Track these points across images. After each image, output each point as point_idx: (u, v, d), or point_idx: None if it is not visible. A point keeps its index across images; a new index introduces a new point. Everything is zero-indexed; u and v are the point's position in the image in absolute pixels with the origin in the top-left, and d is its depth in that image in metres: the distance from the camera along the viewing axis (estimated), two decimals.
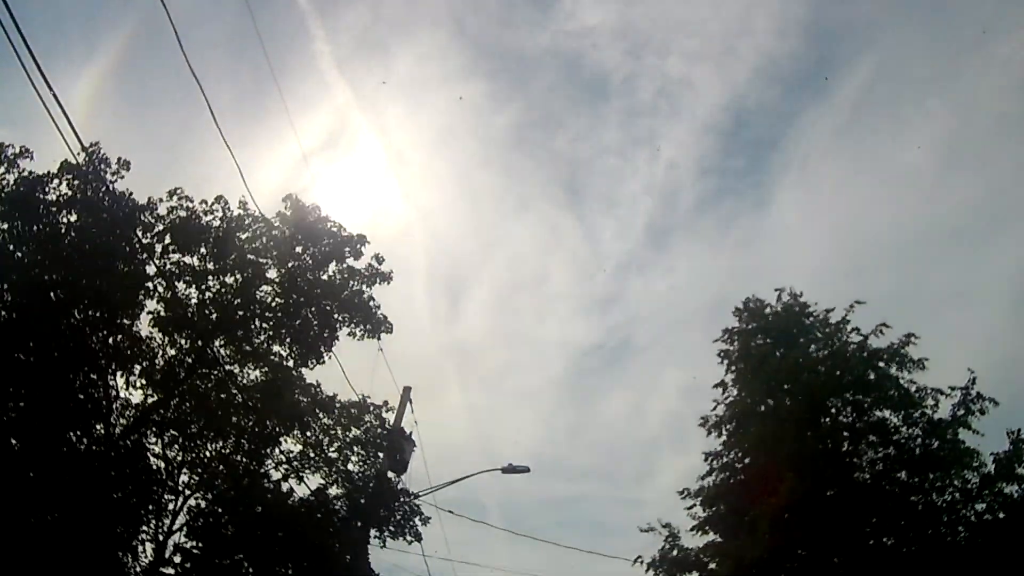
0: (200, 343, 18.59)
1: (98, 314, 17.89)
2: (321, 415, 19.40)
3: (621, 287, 68.98)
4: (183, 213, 18.64)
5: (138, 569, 18.00)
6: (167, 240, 18.57)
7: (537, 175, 68.19)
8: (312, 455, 19.39)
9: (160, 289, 18.58)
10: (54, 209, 17.70)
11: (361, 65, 58.82)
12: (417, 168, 58.16)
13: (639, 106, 66.52)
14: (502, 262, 68.04)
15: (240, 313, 18.86)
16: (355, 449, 19.62)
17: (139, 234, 18.47)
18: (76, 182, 17.95)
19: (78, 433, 17.52)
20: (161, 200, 18.81)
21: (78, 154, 15.32)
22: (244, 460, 19.20)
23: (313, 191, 28.25)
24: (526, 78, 66.25)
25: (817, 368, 19.38)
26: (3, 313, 17.25)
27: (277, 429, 18.91)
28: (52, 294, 17.53)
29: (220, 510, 18.95)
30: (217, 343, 18.84)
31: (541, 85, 65.53)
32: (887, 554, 17.27)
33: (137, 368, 18.56)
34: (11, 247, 17.59)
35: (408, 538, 19.76)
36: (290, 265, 19.03)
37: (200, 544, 18.66)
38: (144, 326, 18.97)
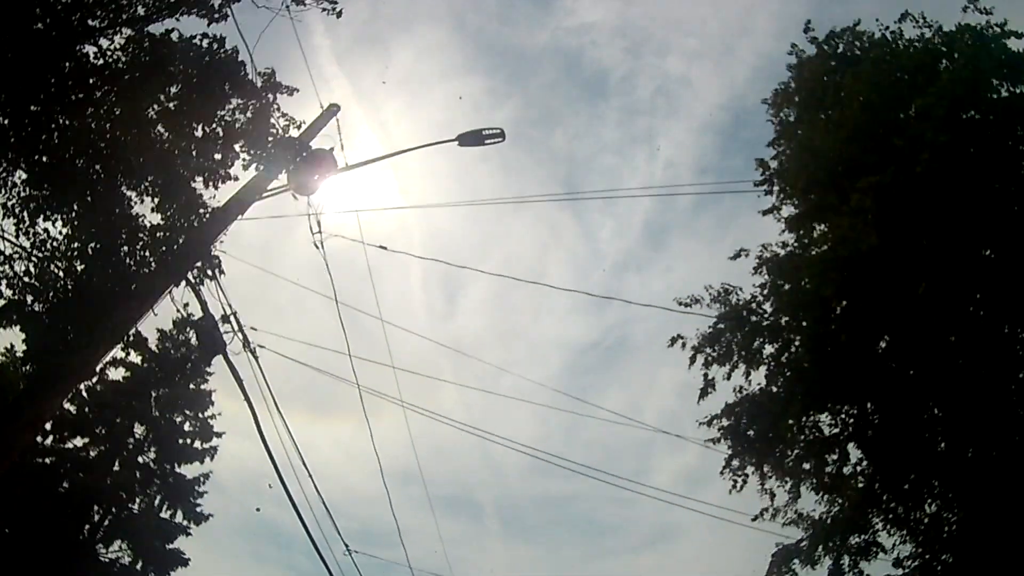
0: None
1: None
2: None
3: (619, 285, 68.82)
4: None
5: None
6: None
7: (536, 172, 67.96)
8: None
9: None
10: None
11: (360, 59, 58.56)
12: (415, 164, 57.78)
13: (638, 104, 66.32)
14: (500, 259, 67.74)
15: None
16: None
17: None
18: None
19: None
20: None
21: None
22: None
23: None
24: (525, 75, 65.97)
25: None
26: None
27: None
28: None
29: None
30: None
31: (540, 82, 65.26)
32: None
33: None
34: None
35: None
36: None
37: None
38: None
